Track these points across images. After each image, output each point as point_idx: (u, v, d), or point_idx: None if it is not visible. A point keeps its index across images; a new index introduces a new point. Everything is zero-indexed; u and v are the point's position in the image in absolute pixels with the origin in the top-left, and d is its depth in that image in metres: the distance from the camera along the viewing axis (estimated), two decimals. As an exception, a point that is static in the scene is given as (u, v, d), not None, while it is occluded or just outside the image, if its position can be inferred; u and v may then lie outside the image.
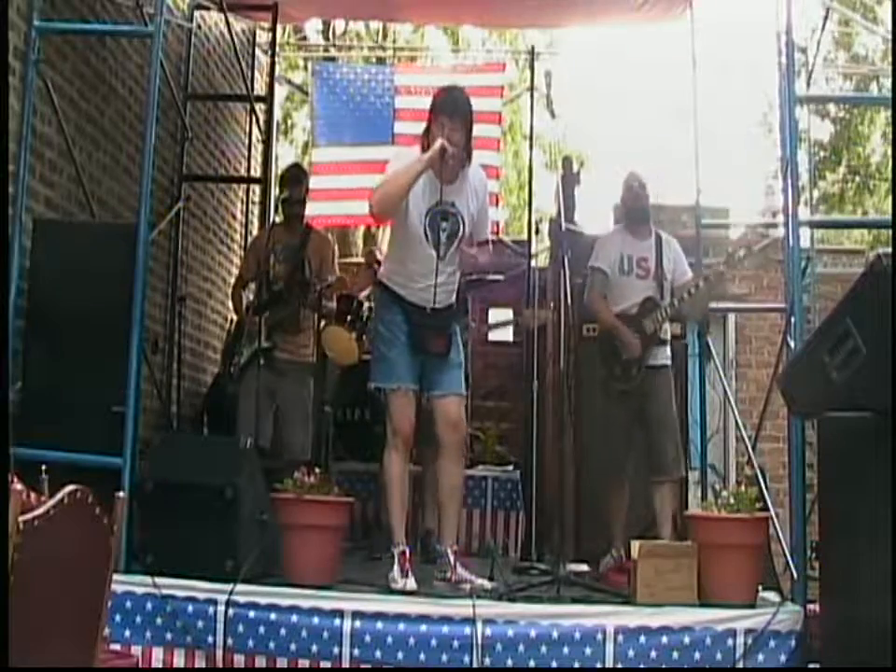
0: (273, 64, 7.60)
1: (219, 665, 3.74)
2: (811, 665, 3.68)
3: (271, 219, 6.73)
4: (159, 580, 3.82)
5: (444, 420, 4.28)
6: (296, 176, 5.67)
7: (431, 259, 4.21)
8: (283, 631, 3.72)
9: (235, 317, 6.00)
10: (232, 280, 6.52)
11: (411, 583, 3.97)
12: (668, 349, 5.10)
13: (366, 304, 5.49)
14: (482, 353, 7.36)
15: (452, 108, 4.19)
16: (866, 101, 12.89)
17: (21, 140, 4.40)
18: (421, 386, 4.34)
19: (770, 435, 6.50)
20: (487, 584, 4.06)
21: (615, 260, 5.07)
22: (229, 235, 7.83)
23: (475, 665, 3.63)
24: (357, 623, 3.70)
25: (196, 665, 3.78)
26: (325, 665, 3.71)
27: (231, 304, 6.36)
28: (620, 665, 3.67)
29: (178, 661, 3.79)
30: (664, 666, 3.68)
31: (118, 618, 3.75)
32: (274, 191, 6.70)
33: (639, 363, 4.96)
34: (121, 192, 5.74)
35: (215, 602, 3.77)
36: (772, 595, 4.12)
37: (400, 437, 4.23)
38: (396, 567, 4.04)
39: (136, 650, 3.78)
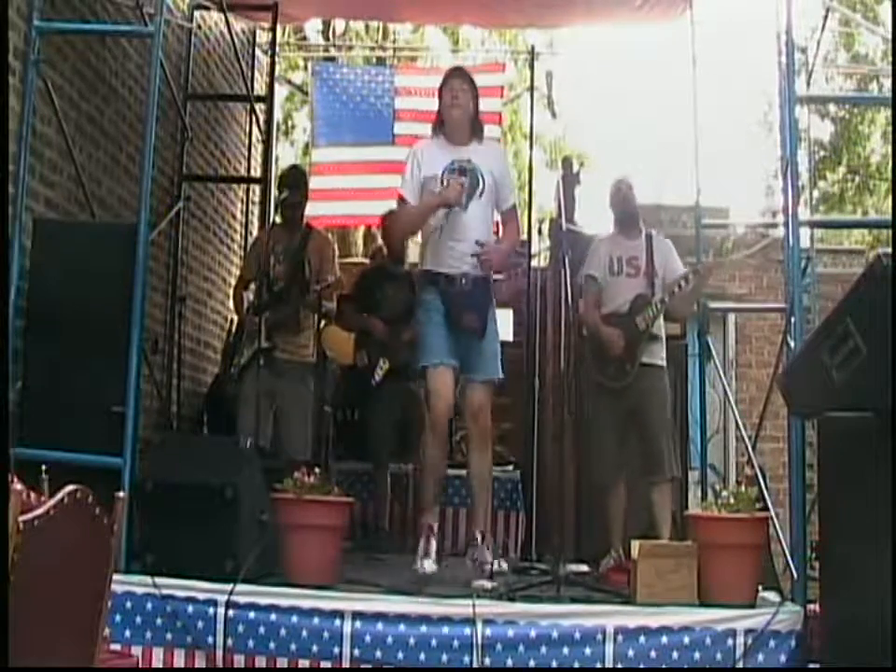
0: (273, 64, 7.60)
1: (219, 665, 3.74)
2: (811, 665, 3.68)
3: (271, 220, 6.73)
4: (159, 580, 3.82)
5: (468, 409, 4.40)
6: (294, 179, 5.65)
7: (455, 213, 4.27)
8: (283, 631, 3.72)
9: (236, 317, 5.99)
10: (232, 280, 6.52)
11: (430, 565, 4.08)
12: (663, 349, 5.06)
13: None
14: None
15: (459, 73, 4.42)
16: (866, 101, 12.86)
17: (20, 140, 4.39)
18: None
19: (770, 435, 6.49)
20: (487, 584, 4.06)
21: (605, 264, 5.11)
22: (229, 235, 7.82)
23: (475, 665, 3.63)
24: (358, 624, 3.70)
25: (196, 666, 3.78)
26: (325, 665, 3.71)
27: (231, 304, 6.35)
28: (620, 665, 3.67)
29: (178, 661, 3.79)
30: (664, 666, 3.68)
31: (118, 618, 3.74)
32: (274, 192, 6.70)
33: (633, 360, 4.93)
34: (121, 192, 5.73)
35: (215, 602, 3.76)
36: (772, 595, 4.11)
37: (435, 417, 4.27)
38: (422, 540, 4.20)
39: (136, 650, 3.77)
